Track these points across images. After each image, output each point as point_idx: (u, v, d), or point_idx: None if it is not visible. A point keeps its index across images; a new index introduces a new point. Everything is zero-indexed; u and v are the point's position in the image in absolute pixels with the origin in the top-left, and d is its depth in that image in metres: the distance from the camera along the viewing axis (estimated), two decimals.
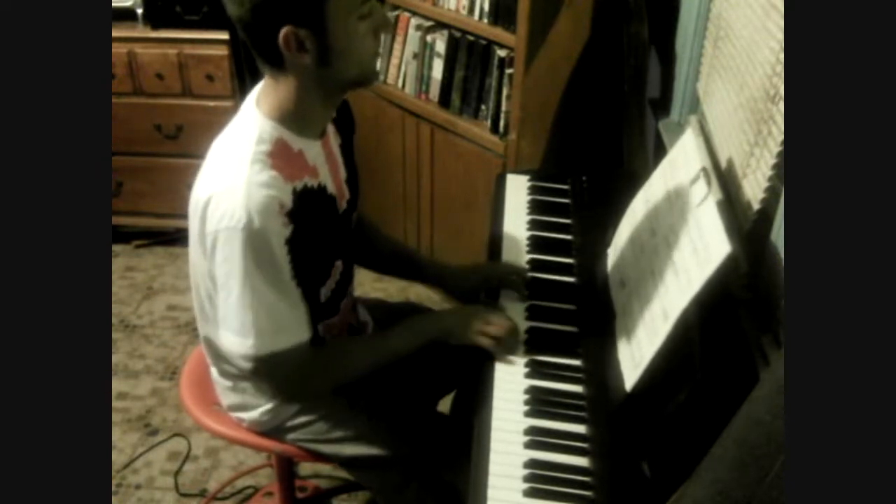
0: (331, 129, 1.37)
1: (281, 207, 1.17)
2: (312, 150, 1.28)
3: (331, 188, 1.32)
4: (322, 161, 1.31)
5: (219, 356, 1.38)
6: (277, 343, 1.23)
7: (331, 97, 1.28)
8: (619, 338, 1.28)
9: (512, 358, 1.35)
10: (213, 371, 1.46)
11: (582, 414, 1.25)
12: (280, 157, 1.21)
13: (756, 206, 1.32)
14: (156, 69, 2.60)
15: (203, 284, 1.28)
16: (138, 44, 2.58)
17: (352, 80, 1.25)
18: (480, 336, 1.35)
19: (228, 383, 1.43)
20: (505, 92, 2.16)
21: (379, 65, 2.49)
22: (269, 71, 1.21)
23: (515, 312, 1.45)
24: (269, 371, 1.28)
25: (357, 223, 1.50)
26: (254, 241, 1.15)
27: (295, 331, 1.26)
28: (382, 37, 1.27)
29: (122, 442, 2.19)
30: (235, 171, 1.17)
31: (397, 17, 2.39)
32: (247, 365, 1.27)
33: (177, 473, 2.10)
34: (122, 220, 2.90)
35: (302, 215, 1.21)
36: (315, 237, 1.25)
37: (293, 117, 1.23)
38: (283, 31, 1.12)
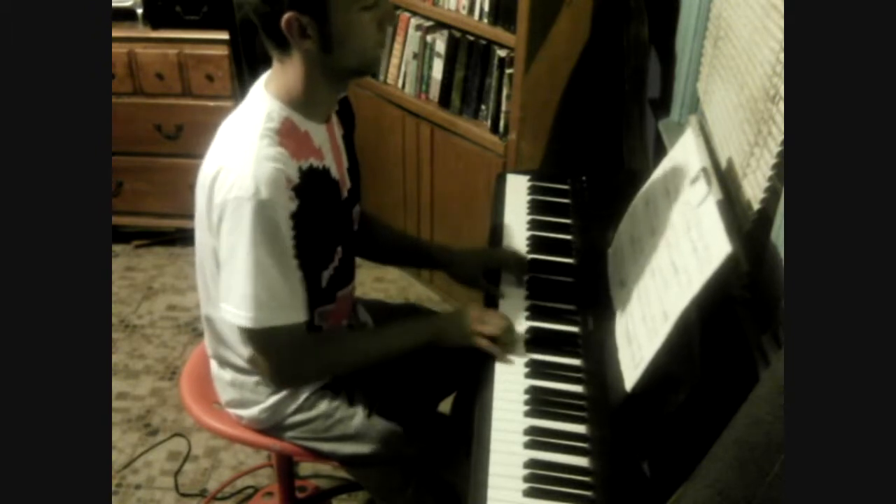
0: (334, 118, 1.38)
1: (288, 182, 1.20)
2: (318, 133, 1.30)
3: (334, 173, 1.34)
4: (327, 145, 1.33)
5: (220, 340, 1.39)
6: (274, 319, 1.24)
7: (335, 83, 1.30)
8: (619, 338, 1.28)
9: (512, 358, 1.35)
10: (213, 364, 1.46)
11: (582, 414, 1.25)
12: (287, 135, 1.23)
13: (756, 206, 1.32)
14: (156, 69, 2.60)
15: (208, 264, 1.30)
16: (138, 44, 2.58)
17: (353, 69, 1.28)
18: (476, 337, 1.35)
19: (228, 377, 1.43)
20: (505, 92, 2.16)
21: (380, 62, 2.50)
22: (276, 54, 1.24)
23: (516, 312, 1.45)
24: (263, 346, 1.29)
25: (360, 218, 1.50)
26: (261, 211, 1.17)
27: (292, 310, 1.26)
28: (388, 28, 1.29)
29: (122, 442, 2.19)
30: (245, 145, 1.19)
31: (397, 17, 2.39)
32: (243, 348, 1.27)
33: (177, 473, 2.10)
34: (122, 220, 2.90)
35: (307, 193, 1.23)
36: (319, 216, 1.27)
37: (300, 100, 1.25)
38: (286, 16, 1.15)
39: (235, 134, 1.24)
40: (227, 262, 1.22)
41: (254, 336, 1.26)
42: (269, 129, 1.21)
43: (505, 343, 1.35)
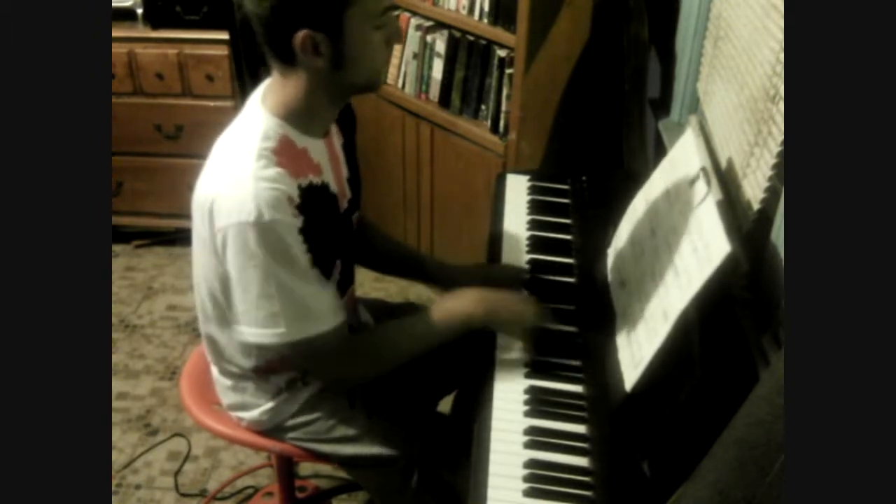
0: (333, 128, 1.37)
1: (290, 200, 1.17)
2: (316, 149, 1.28)
3: (333, 187, 1.33)
4: (325, 160, 1.31)
5: (220, 355, 1.38)
6: (308, 329, 1.22)
7: (338, 99, 1.29)
8: (619, 338, 1.28)
9: (512, 358, 1.34)
10: (214, 370, 1.46)
11: (582, 414, 1.25)
12: (285, 154, 1.21)
13: (756, 206, 1.32)
14: (156, 69, 2.60)
15: (207, 283, 1.28)
16: (138, 44, 2.58)
17: (360, 86, 1.26)
18: (520, 332, 1.36)
19: (229, 382, 1.43)
20: (505, 92, 2.16)
21: None
22: (279, 68, 1.22)
23: None
24: (306, 357, 1.28)
25: (358, 225, 1.50)
26: (266, 233, 1.15)
27: (324, 317, 1.25)
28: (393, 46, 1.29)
29: (122, 442, 2.19)
30: (241, 167, 1.17)
31: (397, 18, 2.39)
32: (246, 361, 1.26)
33: (177, 473, 2.10)
34: (122, 220, 2.90)
35: (309, 209, 1.21)
36: (321, 231, 1.26)
37: (299, 116, 1.23)
38: (301, 34, 1.13)
39: (232, 154, 1.21)
40: (241, 285, 1.20)
41: (292, 347, 1.24)
42: (266, 150, 1.18)
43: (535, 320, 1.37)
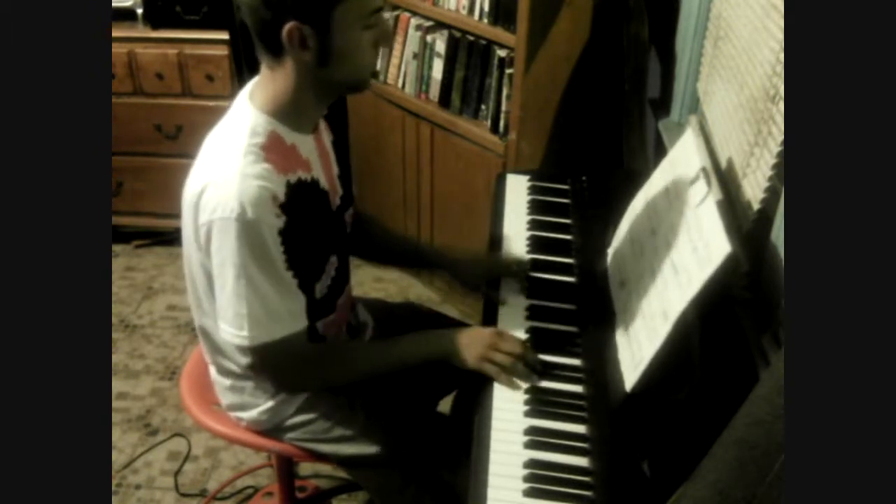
0: (323, 125, 1.38)
1: (274, 199, 1.18)
2: (305, 145, 1.29)
3: (323, 183, 1.33)
4: (315, 156, 1.32)
5: (216, 349, 1.39)
6: (272, 333, 1.24)
7: (324, 96, 1.29)
8: (619, 338, 1.28)
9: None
10: (212, 370, 1.46)
11: (582, 414, 1.25)
12: (273, 150, 1.22)
13: (756, 206, 1.32)
14: (156, 69, 2.60)
15: (198, 278, 1.29)
16: (138, 44, 2.58)
17: (346, 85, 1.27)
18: (485, 363, 1.30)
19: (227, 382, 1.43)
20: (505, 92, 2.16)
21: (379, 65, 2.50)
22: (267, 60, 1.22)
23: (516, 312, 1.45)
24: (264, 361, 1.28)
25: (356, 219, 1.50)
26: (247, 231, 1.16)
27: (290, 320, 1.26)
28: (381, 49, 1.29)
29: (122, 442, 2.19)
30: (229, 163, 1.18)
31: (397, 17, 2.39)
32: (244, 358, 1.27)
33: (177, 473, 2.10)
34: (122, 220, 2.90)
35: (295, 208, 1.22)
36: (308, 230, 1.26)
37: (287, 111, 1.24)
38: (288, 25, 1.14)
39: (219, 150, 1.22)
40: (219, 281, 1.22)
41: (253, 351, 1.25)
42: (254, 145, 1.19)
43: (514, 374, 1.30)
